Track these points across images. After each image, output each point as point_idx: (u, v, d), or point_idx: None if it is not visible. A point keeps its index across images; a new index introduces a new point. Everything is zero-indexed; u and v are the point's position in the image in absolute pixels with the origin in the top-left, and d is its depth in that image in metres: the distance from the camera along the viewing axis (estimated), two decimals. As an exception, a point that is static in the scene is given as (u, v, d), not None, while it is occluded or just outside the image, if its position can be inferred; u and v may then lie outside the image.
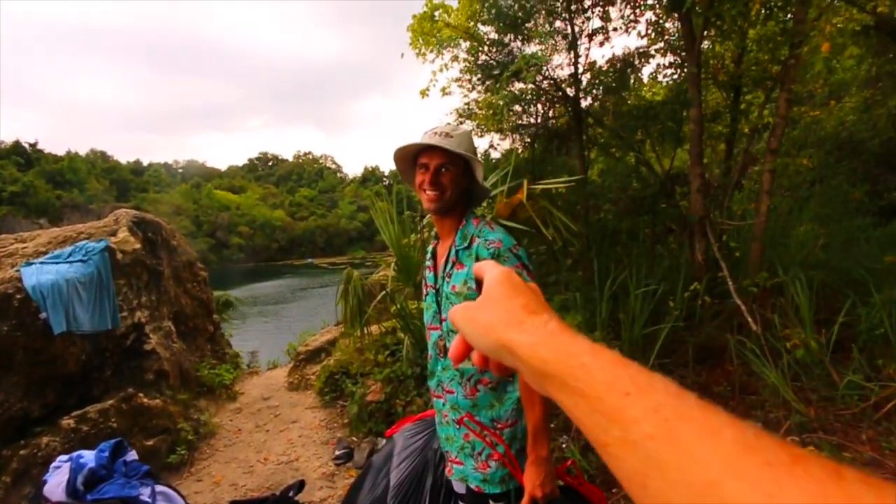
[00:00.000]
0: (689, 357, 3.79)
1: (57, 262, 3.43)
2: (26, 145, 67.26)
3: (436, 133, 1.33)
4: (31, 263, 3.41)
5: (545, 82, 4.62)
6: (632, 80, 4.69)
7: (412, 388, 3.57)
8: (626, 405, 0.24)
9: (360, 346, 4.37)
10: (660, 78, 4.95)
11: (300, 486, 2.76)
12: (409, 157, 1.39)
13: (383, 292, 3.65)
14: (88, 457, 1.80)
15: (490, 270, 0.42)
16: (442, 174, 1.32)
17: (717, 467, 0.20)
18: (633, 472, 0.23)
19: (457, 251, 1.35)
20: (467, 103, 4.95)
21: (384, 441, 3.44)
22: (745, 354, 3.46)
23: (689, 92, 3.93)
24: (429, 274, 1.50)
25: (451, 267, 1.36)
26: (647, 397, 0.24)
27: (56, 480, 1.69)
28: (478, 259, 1.28)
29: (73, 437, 3.06)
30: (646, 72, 5.16)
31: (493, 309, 0.37)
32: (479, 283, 0.43)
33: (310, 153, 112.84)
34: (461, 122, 5.15)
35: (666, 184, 4.62)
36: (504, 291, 0.38)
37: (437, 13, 4.52)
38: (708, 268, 4.13)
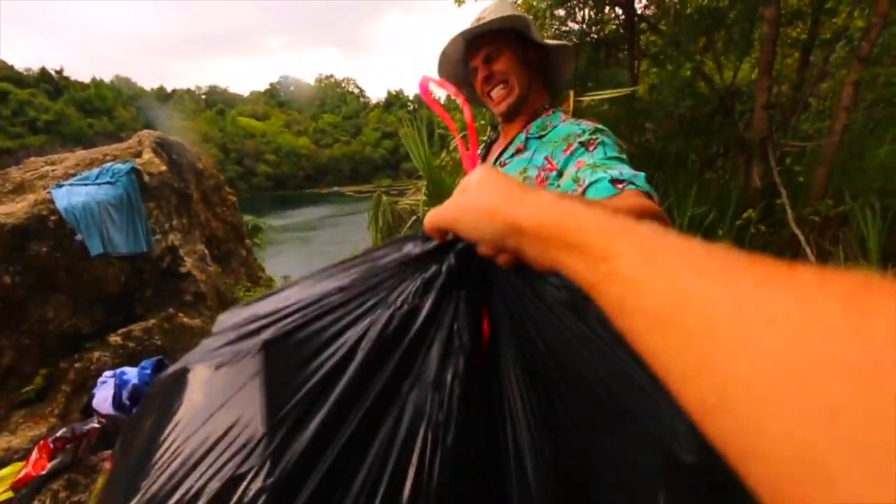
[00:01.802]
0: (733, 289, 3.61)
1: (86, 184, 3.41)
2: (52, 72, 67.26)
3: (470, 25, 1.04)
4: (62, 185, 3.40)
5: (595, -21, 4.05)
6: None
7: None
8: (613, 244, 0.26)
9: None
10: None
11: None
12: (462, 72, 1.10)
13: (414, 217, 3.52)
14: (131, 373, 1.85)
15: (473, 171, 0.41)
16: (494, 63, 1.02)
17: (686, 274, 0.21)
18: (616, 297, 0.25)
19: (527, 138, 1.03)
20: (504, 8, 4.42)
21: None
22: (797, 288, 3.26)
23: (769, -15, 3.35)
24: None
25: (512, 155, 1.04)
26: (633, 234, 0.26)
27: (103, 395, 1.75)
28: (560, 138, 0.95)
29: (121, 353, 3.22)
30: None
31: (491, 194, 0.36)
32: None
33: (332, 77, 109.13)
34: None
35: (725, 100, 4.13)
36: (496, 176, 0.38)
37: None
38: (764, 194, 3.79)
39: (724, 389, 0.18)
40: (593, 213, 0.29)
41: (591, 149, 0.89)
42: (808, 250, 3.23)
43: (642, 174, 0.82)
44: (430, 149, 3.54)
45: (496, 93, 1.04)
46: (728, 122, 4.21)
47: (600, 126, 0.93)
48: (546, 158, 0.95)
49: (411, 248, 0.44)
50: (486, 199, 0.36)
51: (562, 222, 0.30)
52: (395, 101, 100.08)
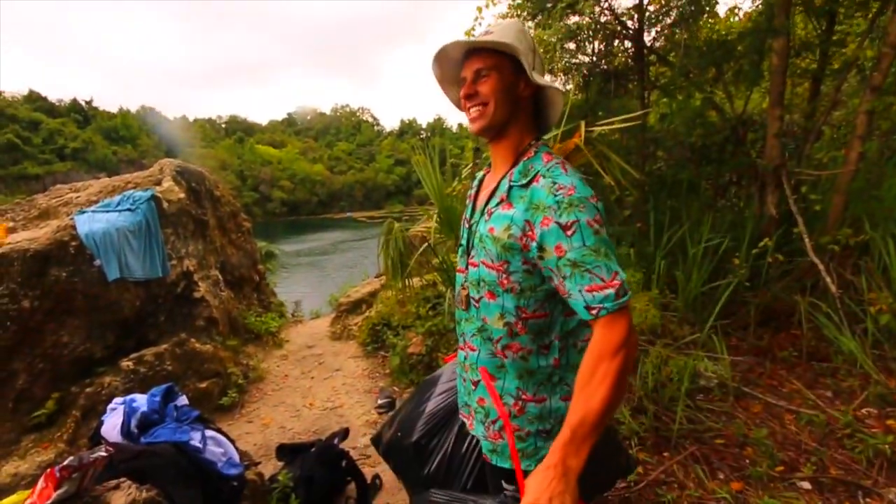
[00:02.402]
0: (750, 319, 3.51)
1: (107, 211, 3.51)
2: (83, 103, 70.39)
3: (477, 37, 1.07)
4: (84, 212, 3.50)
5: (604, 14, 4.14)
6: (705, 9, 4.11)
7: (454, 342, 3.52)
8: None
9: (401, 299, 4.34)
10: (741, 7, 4.32)
11: (345, 433, 2.81)
12: (455, 76, 1.13)
13: (425, 244, 3.53)
14: (141, 401, 1.84)
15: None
16: (480, 82, 1.04)
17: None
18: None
19: (511, 186, 1.05)
20: (515, 41, 4.52)
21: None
22: (816, 318, 3.16)
23: (777, 18, 3.39)
24: (468, 204, 1.23)
25: (497, 204, 1.07)
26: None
27: (112, 422, 1.74)
28: (533, 205, 0.98)
29: (132, 378, 3.23)
30: (722, 4, 4.52)
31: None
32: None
33: (347, 106, 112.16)
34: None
35: (736, 129, 4.14)
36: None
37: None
38: (779, 223, 3.73)
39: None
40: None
41: (568, 233, 0.94)
42: (827, 279, 3.15)
43: (612, 289, 0.92)
44: (441, 176, 3.58)
45: (472, 112, 1.07)
46: (740, 151, 4.20)
47: (575, 196, 0.95)
48: (527, 223, 1.00)
49: None
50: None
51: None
52: (407, 129, 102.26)
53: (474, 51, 1.06)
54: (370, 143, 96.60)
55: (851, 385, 2.88)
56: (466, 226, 1.20)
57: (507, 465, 1.12)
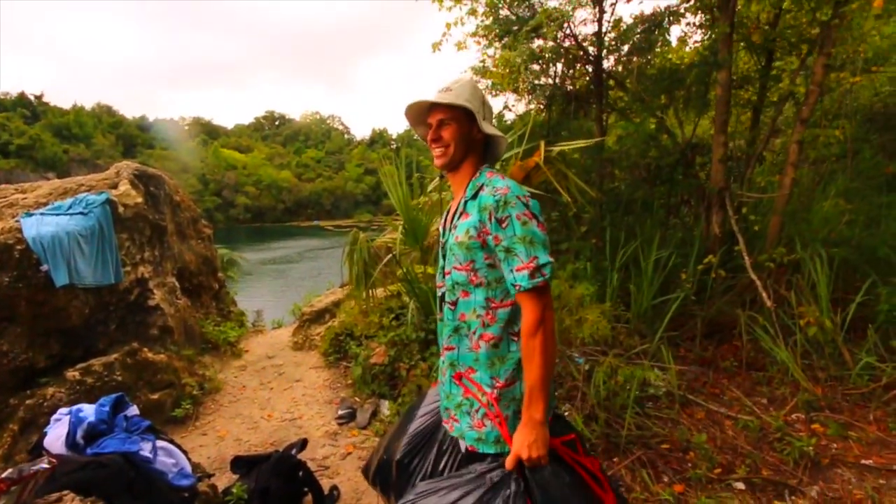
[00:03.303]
0: (697, 331, 3.74)
1: (57, 214, 3.36)
2: (31, 97, 66.40)
3: (439, 90, 1.34)
4: (32, 214, 3.34)
5: (567, 40, 4.36)
6: (658, 41, 4.40)
7: (416, 352, 3.55)
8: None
9: (364, 309, 4.34)
10: (690, 40, 4.66)
11: (303, 444, 2.79)
12: (423, 118, 1.40)
13: (390, 255, 3.57)
14: (88, 411, 1.79)
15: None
16: (443, 129, 1.32)
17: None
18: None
19: (465, 201, 1.32)
20: (482, 60, 4.70)
21: (387, 403, 3.46)
22: (755, 330, 3.40)
23: (720, 53, 3.68)
24: (440, 230, 1.49)
25: (458, 218, 1.33)
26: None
27: (56, 433, 1.68)
28: (482, 207, 1.24)
29: (78, 389, 3.09)
30: (674, 33, 4.86)
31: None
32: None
33: (317, 113, 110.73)
34: (476, 82, 4.90)
35: (686, 153, 4.42)
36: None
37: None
38: (723, 241, 4.01)
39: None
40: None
41: (503, 226, 1.21)
42: (764, 295, 3.41)
43: (527, 270, 1.18)
44: (408, 188, 3.65)
45: (436, 151, 1.35)
46: (690, 173, 4.49)
47: (509, 195, 1.21)
48: (480, 222, 1.25)
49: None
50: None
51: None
52: (378, 138, 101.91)
53: (437, 104, 1.32)
54: (340, 151, 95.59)
55: (784, 392, 3.11)
56: (440, 247, 1.43)
57: (491, 451, 1.30)
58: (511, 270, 1.20)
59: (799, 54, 4.19)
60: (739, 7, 4.09)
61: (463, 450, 1.39)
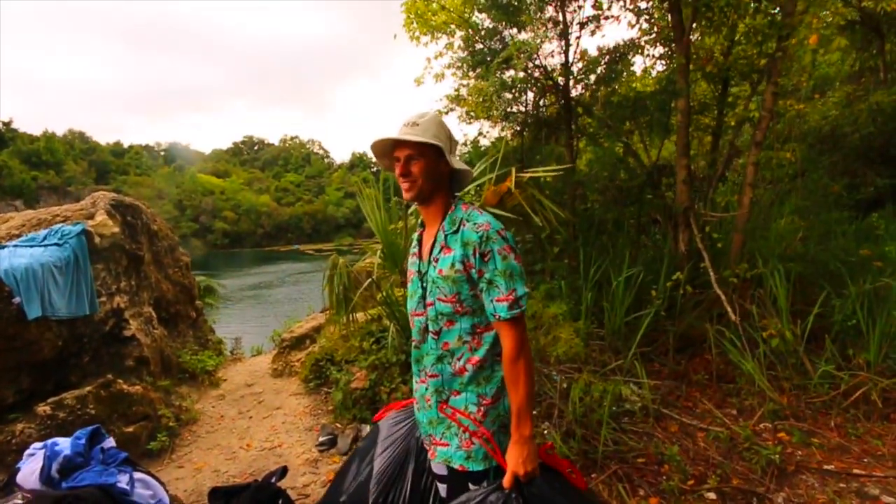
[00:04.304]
0: (669, 346, 3.86)
1: (31, 246, 3.33)
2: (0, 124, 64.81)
3: (405, 124, 1.37)
4: (4, 247, 3.30)
5: (536, 70, 4.59)
6: (622, 72, 4.68)
7: (397, 375, 3.58)
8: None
9: (345, 334, 4.35)
10: (653, 70, 4.96)
11: (283, 472, 2.75)
12: (389, 151, 1.43)
13: (369, 279, 3.63)
14: (64, 444, 1.77)
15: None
16: (411, 164, 1.36)
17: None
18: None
19: (445, 235, 1.37)
20: (457, 89, 4.89)
21: (368, 428, 3.45)
22: (723, 344, 3.54)
23: (678, 83, 3.94)
24: (413, 260, 1.53)
25: (440, 251, 1.38)
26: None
27: (30, 468, 1.66)
28: (465, 243, 1.32)
29: (49, 424, 3.00)
30: (638, 64, 5.17)
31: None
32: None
33: (297, 138, 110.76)
34: (451, 109, 5.09)
35: (652, 174, 4.65)
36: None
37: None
38: (690, 258, 4.18)
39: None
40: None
41: (486, 259, 1.30)
42: (728, 309, 3.57)
43: (507, 302, 1.28)
44: (387, 213, 3.73)
45: (405, 185, 1.39)
46: (657, 194, 4.70)
47: (490, 230, 1.30)
48: (465, 257, 1.33)
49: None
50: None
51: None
52: (358, 162, 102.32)
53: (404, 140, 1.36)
54: (320, 175, 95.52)
55: (752, 403, 3.24)
56: (418, 276, 1.48)
57: (480, 468, 1.36)
58: (491, 301, 1.29)
59: (751, 82, 4.50)
60: (694, 40, 4.40)
61: (444, 472, 1.43)
